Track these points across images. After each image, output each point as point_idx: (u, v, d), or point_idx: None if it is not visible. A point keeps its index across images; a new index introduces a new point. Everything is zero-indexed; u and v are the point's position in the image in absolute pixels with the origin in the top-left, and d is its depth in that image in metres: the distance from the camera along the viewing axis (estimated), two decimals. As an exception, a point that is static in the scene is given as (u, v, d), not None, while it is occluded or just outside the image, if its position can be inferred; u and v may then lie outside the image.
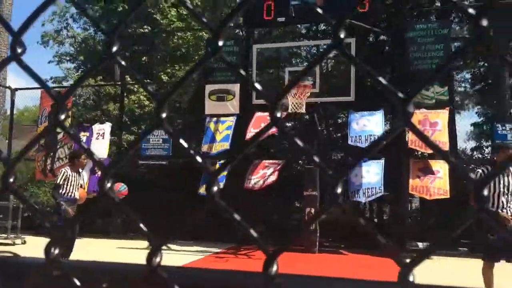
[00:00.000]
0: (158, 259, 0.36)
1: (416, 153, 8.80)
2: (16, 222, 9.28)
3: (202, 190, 8.76)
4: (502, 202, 4.74)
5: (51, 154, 10.07)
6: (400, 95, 0.31)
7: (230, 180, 8.77)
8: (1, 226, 9.28)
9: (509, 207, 4.77)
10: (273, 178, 8.55)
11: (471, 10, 0.28)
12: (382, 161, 8.50)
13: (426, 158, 8.44)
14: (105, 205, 0.36)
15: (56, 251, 0.39)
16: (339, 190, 0.32)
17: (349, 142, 8.37)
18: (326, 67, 11.44)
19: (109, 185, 0.38)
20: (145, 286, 0.37)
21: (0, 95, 12.08)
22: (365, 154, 0.34)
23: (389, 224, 10.67)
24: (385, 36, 11.33)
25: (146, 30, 14.63)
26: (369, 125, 8.38)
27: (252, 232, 0.34)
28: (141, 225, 0.37)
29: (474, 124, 14.02)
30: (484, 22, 0.27)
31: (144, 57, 14.88)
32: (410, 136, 8.17)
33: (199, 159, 0.36)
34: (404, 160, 8.48)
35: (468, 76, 14.71)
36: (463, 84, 15.39)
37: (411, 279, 0.31)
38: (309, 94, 8.05)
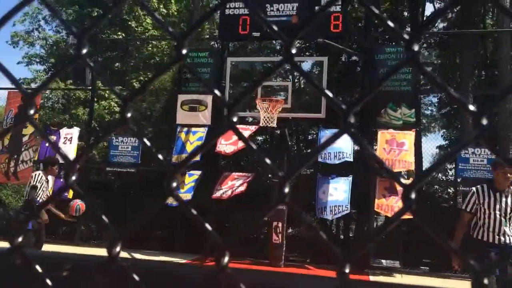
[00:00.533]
0: (117, 249, 0.38)
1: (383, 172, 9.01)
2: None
3: (170, 200, 8.68)
4: (503, 230, 4.05)
5: (15, 156, 9.79)
6: (343, 106, 0.35)
7: (199, 192, 8.73)
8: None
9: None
10: (241, 188, 8.56)
11: (405, 36, 0.33)
12: (350, 179, 8.65)
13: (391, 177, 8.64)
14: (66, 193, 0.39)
15: (19, 240, 0.40)
16: (286, 190, 0.36)
17: (319, 159, 8.48)
18: (298, 83, 11.62)
19: (73, 178, 0.40)
20: (104, 274, 0.39)
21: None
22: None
23: (355, 241, 10.81)
24: (356, 57, 11.63)
25: (120, 37, 14.51)
26: (338, 142, 8.52)
27: (207, 226, 0.37)
28: (103, 216, 0.39)
29: (440, 147, 14.45)
30: (416, 47, 0.32)
31: (117, 63, 14.73)
32: (378, 155, 8.36)
33: (160, 157, 0.39)
34: (372, 178, 8.65)
35: (434, 100, 15.21)
36: (429, 108, 15.89)
37: (347, 270, 0.34)
38: (280, 109, 8.15)
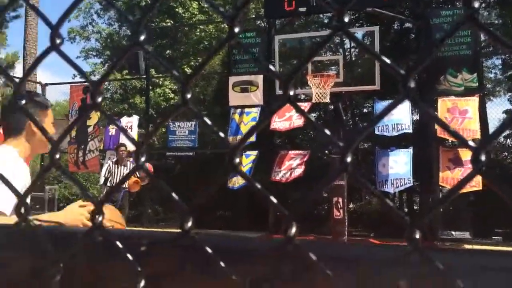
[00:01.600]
0: (189, 224, 0.40)
1: (446, 142, 8.65)
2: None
3: (231, 183, 8.87)
4: None
5: (82, 146, 10.35)
6: (402, 71, 0.35)
7: (256, 173, 8.84)
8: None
9: None
10: (299, 171, 8.55)
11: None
12: (410, 150, 8.39)
13: (456, 147, 8.29)
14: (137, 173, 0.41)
15: (100, 219, 0.43)
16: (348, 159, 0.36)
17: (376, 131, 8.28)
18: (349, 56, 11.33)
19: (143, 159, 0.42)
20: (177, 248, 0.41)
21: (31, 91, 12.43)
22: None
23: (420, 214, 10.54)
24: (410, 23, 11.12)
25: (169, 24, 14.77)
26: (396, 113, 8.25)
27: (272, 198, 0.38)
28: (173, 194, 0.41)
29: (506, 111, 13.63)
30: (476, 4, 0.30)
31: (168, 51, 15.04)
32: (439, 125, 8.04)
33: (221, 134, 0.40)
34: (434, 149, 8.35)
35: (498, 62, 14.29)
36: (493, 71, 14.96)
37: (417, 236, 0.34)
38: (333, 83, 7.99)
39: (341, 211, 7.79)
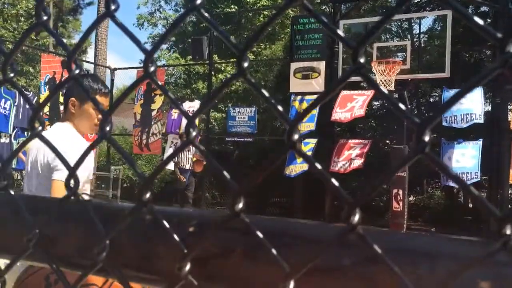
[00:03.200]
0: (240, 205, 0.37)
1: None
2: (116, 192, 10.09)
3: (288, 171, 8.83)
4: None
5: (146, 130, 10.73)
6: (499, 35, 0.29)
7: (317, 161, 8.71)
8: (102, 195, 10.15)
9: None
10: (359, 162, 8.34)
11: None
12: (479, 143, 7.91)
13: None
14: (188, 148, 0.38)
15: (147, 195, 0.41)
16: (426, 138, 0.31)
17: (443, 123, 7.87)
18: (418, 42, 10.81)
19: (194, 133, 0.39)
20: (227, 230, 0.38)
21: (100, 75, 13.04)
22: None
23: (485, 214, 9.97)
24: (486, 7, 10.40)
25: (233, 10, 14.84)
26: (466, 103, 7.78)
27: (333, 180, 0.34)
28: (224, 172, 0.38)
29: None
30: None
31: (232, 36, 15.13)
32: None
33: (280, 108, 0.36)
34: (505, 142, 7.82)
35: None
36: None
37: (508, 232, 0.28)
38: (398, 70, 7.68)
39: (401, 203, 7.53)
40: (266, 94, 0.37)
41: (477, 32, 0.30)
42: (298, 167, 8.75)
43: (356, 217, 0.32)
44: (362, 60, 0.33)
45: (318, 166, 0.35)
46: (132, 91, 0.51)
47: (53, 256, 0.45)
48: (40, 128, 0.46)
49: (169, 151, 9.57)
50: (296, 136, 0.35)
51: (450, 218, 9.94)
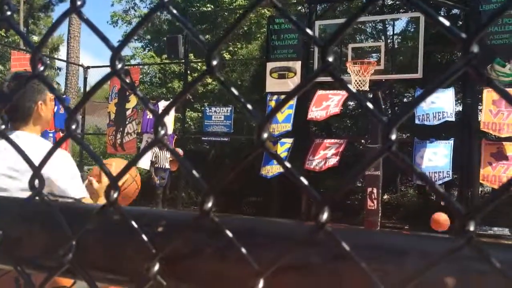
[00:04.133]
0: (209, 205, 0.37)
1: (489, 135, 8.29)
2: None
3: (264, 171, 8.84)
4: None
5: (121, 129, 10.57)
6: (463, 35, 0.29)
7: (291, 161, 8.77)
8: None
9: None
10: (334, 160, 8.42)
11: None
12: (451, 142, 8.10)
13: (500, 142, 7.92)
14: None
15: (115, 195, 0.40)
16: (393, 137, 0.31)
17: (416, 121, 8.01)
18: (392, 43, 10.99)
19: (162, 132, 0.38)
20: (197, 229, 0.38)
21: (73, 73, 12.79)
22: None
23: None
24: (458, 9, 10.65)
25: (209, 9, 14.78)
26: (438, 102, 7.94)
27: (302, 179, 0.34)
28: (194, 171, 0.38)
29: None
30: None
31: (207, 35, 15.07)
32: (483, 118, 7.70)
33: (249, 106, 0.36)
34: (476, 141, 8.03)
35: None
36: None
37: (471, 228, 0.29)
38: (373, 71, 7.79)
39: (375, 201, 7.65)
40: (236, 92, 0.37)
41: (448, 36, 0.31)
42: (274, 168, 8.78)
43: (325, 216, 0.32)
44: (330, 59, 0.33)
45: (288, 164, 0.35)
46: (99, 89, 0.50)
47: (17, 258, 0.44)
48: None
49: (150, 152, 9.53)
50: (265, 135, 0.35)
51: (423, 216, 10.15)
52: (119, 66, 0.40)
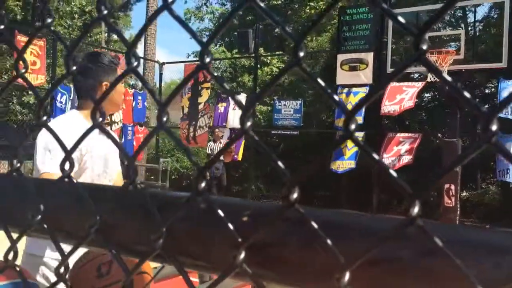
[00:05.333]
0: (295, 195, 0.37)
1: None
2: (165, 183, 10.36)
3: (334, 166, 8.72)
4: None
5: (193, 122, 10.92)
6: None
7: (362, 156, 8.58)
8: (152, 186, 10.46)
9: None
10: (408, 158, 8.11)
11: None
12: (539, 135, 7.49)
13: None
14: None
15: (203, 184, 0.42)
16: (494, 128, 0.29)
17: (499, 114, 7.50)
18: (473, 31, 10.32)
19: (248, 124, 0.39)
20: (282, 220, 0.38)
21: (149, 69, 13.39)
22: None
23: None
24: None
25: (279, 2, 14.77)
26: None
27: (392, 171, 0.33)
28: (279, 162, 0.38)
29: None
30: None
31: (277, 29, 15.09)
32: None
33: (336, 97, 0.35)
34: None
35: None
36: None
37: None
38: (451, 61, 7.38)
39: (453, 199, 7.27)
40: (322, 83, 0.37)
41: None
42: (345, 163, 8.62)
43: (416, 209, 0.32)
44: (424, 47, 0.32)
45: (376, 156, 0.35)
46: (187, 83, 0.52)
47: (112, 242, 0.47)
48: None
49: (208, 146, 10.02)
50: (353, 126, 0.35)
51: (506, 214, 9.50)
52: (207, 60, 0.41)
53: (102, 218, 0.47)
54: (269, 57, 14.08)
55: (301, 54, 0.37)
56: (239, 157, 10.13)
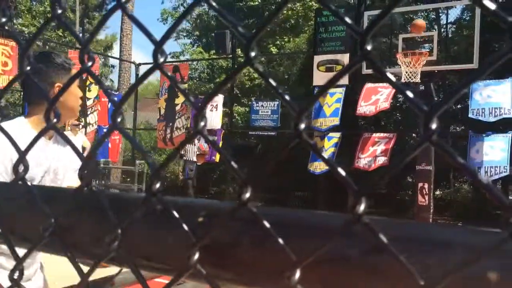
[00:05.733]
0: (247, 195, 0.37)
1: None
2: (141, 186, 10.25)
3: (312, 167, 8.78)
4: None
5: (170, 124, 10.84)
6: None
7: (339, 157, 8.66)
8: (127, 189, 10.33)
9: None
10: (383, 159, 8.23)
11: None
12: (509, 136, 7.70)
13: None
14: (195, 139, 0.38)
15: (157, 185, 0.41)
16: (433, 126, 0.30)
17: (470, 115, 7.69)
18: (445, 32, 10.54)
19: (202, 124, 0.39)
20: (236, 220, 0.38)
21: (125, 70, 13.23)
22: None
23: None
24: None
25: (256, 3, 14.80)
26: (495, 96, 7.59)
27: (339, 169, 0.33)
28: (232, 163, 0.38)
29: None
30: None
31: (254, 30, 15.12)
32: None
33: (287, 97, 0.36)
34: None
35: None
36: None
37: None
38: (424, 62, 7.52)
39: (427, 197, 7.41)
40: (274, 83, 0.37)
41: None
42: (323, 164, 8.71)
43: (362, 207, 0.32)
44: (369, 47, 0.32)
45: (324, 155, 0.35)
46: (151, 86, 0.52)
47: (68, 245, 0.47)
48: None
49: (192, 145, 9.83)
50: (302, 126, 0.35)
51: (478, 212, 9.74)
52: (161, 60, 0.41)
53: (57, 221, 0.46)
54: (246, 58, 14.09)
55: (253, 54, 0.37)
56: (217, 159, 10.11)
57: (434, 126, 0.30)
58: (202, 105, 0.41)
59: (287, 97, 0.37)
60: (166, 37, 0.43)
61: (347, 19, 0.35)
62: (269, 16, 0.38)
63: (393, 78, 0.33)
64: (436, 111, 0.30)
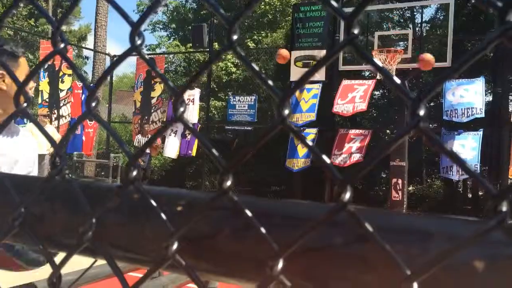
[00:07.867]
0: (228, 183, 0.36)
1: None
2: (116, 179, 10.09)
3: (289, 164, 8.82)
4: None
5: (146, 117, 10.70)
6: (499, 3, 0.27)
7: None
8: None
9: None
10: (358, 156, 8.34)
11: None
12: (480, 134, 7.90)
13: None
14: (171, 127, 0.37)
15: (134, 173, 0.40)
16: (421, 112, 0.29)
17: (444, 117, 7.87)
18: (420, 31, 10.71)
19: (181, 109, 0.38)
20: (216, 209, 0.37)
21: (100, 62, 12.97)
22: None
23: (486, 202, 10.00)
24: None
25: (234, -3, 14.72)
26: (467, 96, 7.77)
27: (325, 158, 0.33)
28: (214, 150, 0.37)
29: None
30: None
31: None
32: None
33: (270, 82, 0.35)
34: (505, 133, 7.81)
35: None
36: None
37: (504, 209, 0.27)
38: (399, 60, 7.63)
39: (400, 193, 7.55)
40: (256, 68, 0.36)
41: (480, 22, 0.29)
42: (300, 161, 8.76)
43: (347, 195, 0.31)
44: (356, 31, 0.32)
45: (310, 143, 0.34)
46: (126, 78, 0.50)
47: (39, 236, 0.44)
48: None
49: (169, 139, 9.71)
50: (286, 111, 0.34)
51: (450, 207, 9.98)
52: (139, 42, 0.39)
53: (27, 210, 0.44)
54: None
55: (235, 37, 0.36)
56: (193, 153, 10.04)
57: (421, 112, 0.29)
58: (182, 91, 0.40)
59: (270, 82, 0.36)
60: (143, 18, 0.42)
61: (333, 2, 0.34)
62: (247, 4, 0.37)
63: (380, 64, 0.32)
64: (424, 98, 0.30)
